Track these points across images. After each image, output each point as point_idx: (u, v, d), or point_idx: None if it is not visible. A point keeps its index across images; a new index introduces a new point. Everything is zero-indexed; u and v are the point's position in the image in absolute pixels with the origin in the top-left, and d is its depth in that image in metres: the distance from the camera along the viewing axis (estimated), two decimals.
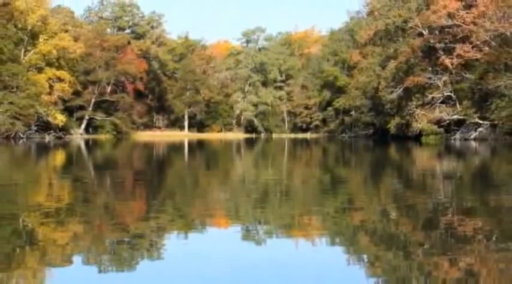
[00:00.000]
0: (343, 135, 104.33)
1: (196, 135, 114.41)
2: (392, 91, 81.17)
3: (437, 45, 75.80)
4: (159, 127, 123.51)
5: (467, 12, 72.02)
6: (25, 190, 18.98)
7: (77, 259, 8.51)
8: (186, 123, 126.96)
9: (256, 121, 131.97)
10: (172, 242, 9.96)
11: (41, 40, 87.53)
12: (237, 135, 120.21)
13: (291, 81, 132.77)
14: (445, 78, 74.98)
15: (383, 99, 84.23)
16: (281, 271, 7.86)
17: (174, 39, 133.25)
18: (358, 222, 12.17)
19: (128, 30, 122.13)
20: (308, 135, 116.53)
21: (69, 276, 7.47)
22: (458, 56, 72.99)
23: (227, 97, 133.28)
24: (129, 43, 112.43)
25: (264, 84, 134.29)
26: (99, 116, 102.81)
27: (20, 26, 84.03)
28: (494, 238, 9.90)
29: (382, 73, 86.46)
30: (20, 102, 76.75)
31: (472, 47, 71.16)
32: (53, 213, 13.09)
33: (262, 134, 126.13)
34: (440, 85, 75.13)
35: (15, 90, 77.27)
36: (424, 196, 17.00)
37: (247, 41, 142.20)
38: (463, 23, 71.49)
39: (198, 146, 62.18)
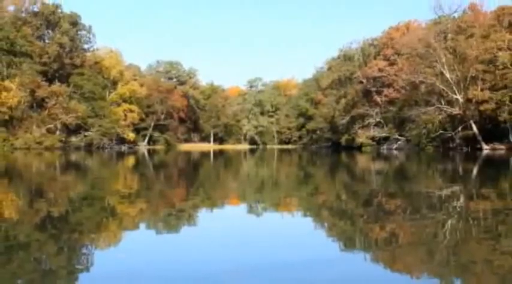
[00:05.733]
0: (312, 146, 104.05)
1: (218, 146, 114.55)
2: (343, 118, 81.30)
3: (372, 89, 75.97)
4: (194, 141, 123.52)
5: (391, 68, 72.37)
6: (109, 181, 19.02)
7: (142, 225, 8.55)
8: (211, 138, 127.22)
9: (256, 137, 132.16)
10: (203, 214, 10.00)
11: (119, 85, 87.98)
12: (244, 146, 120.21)
13: (279, 112, 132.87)
14: (376, 110, 75.14)
15: (337, 123, 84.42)
16: (271, 231, 7.89)
17: (204, 85, 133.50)
18: (321, 202, 12.20)
19: (174, 79, 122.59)
20: (290, 146, 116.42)
21: (137, 236, 7.51)
22: (385, 96, 73.29)
23: (237, 122, 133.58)
24: (175, 88, 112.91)
25: (261, 113, 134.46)
26: (156, 134, 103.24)
27: (105, 76, 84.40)
28: (408, 212, 9.93)
29: (336, 106, 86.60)
30: (105, 125, 76.96)
31: (394, 90, 71.43)
32: (126, 196, 13.13)
33: (260, 145, 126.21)
34: (373, 114, 75.26)
35: (102, 117, 77.53)
36: (363, 185, 17.02)
37: (251, 86, 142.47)
38: (388, 74, 71.76)
39: (219, 153, 62.25)
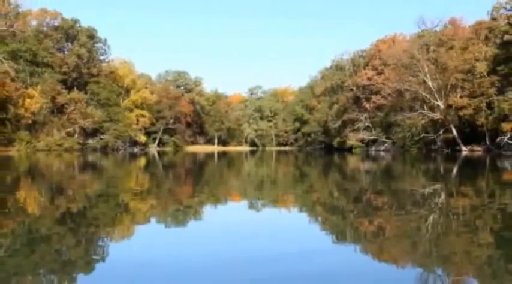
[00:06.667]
0: (307, 148, 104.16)
1: (221, 148, 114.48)
2: (335, 123, 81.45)
3: (361, 96, 76.12)
4: (200, 143, 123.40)
5: (378, 77, 72.44)
6: (123, 180, 19.01)
7: (152, 220, 8.54)
8: (215, 141, 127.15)
9: (256, 140, 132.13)
10: (208, 209, 10.00)
11: (132, 93, 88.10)
12: (245, 148, 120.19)
13: (277, 116, 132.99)
14: (365, 115, 75.28)
15: (330, 127, 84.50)
16: (269, 225, 7.90)
17: (209, 92, 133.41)
18: (315, 198, 12.19)
19: (182, 87, 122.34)
20: (287, 148, 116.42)
21: (148, 230, 7.50)
22: (373, 102, 73.38)
23: (239, 126, 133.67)
24: (182, 95, 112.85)
25: (261, 118, 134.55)
26: (166, 137, 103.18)
27: (119, 84, 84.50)
28: (394, 208, 9.92)
29: (329, 112, 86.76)
30: (120, 129, 77.06)
31: (381, 97, 71.53)
32: (138, 193, 13.12)
33: (260, 147, 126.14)
34: (363, 119, 75.40)
35: (117, 122, 77.60)
36: (353, 183, 17.00)
37: (251, 93, 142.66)
38: (376, 83, 71.85)
39: (222, 154, 62.23)
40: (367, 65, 78.77)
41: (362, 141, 74.67)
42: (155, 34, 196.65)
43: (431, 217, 8.53)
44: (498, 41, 56.13)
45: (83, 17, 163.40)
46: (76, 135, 71.90)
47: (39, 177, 19.64)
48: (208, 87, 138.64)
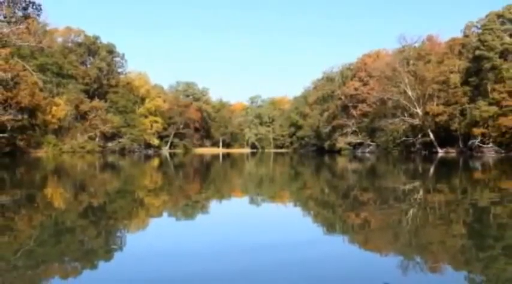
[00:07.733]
0: (301, 150, 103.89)
1: (226, 150, 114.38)
2: (326, 128, 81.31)
3: (349, 104, 76.07)
4: (207, 146, 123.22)
5: (364, 87, 72.45)
6: (138, 178, 19.00)
7: (164, 213, 8.55)
8: (220, 144, 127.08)
9: (256, 143, 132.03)
10: (213, 204, 10.00)
11: (146, 101, 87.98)
12: (246, 150, 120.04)
13: (274, 122, 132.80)
14: (353, 121, 75.23)
15: (321, 132, 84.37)
16: (267, 217, 7.90)
17: (214, 101, 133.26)
18: (308, 194, 12.19)
19: (190, 96, 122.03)
20: (283, 150, 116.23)
21: (161, 222, 7.52)
22: (360, 110, 73.39)
23: (241, 130, 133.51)
24: (191, 103, 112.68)
25: (260, 124, 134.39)
26: (176, 140, 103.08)
27: (135, 94, 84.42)
28: (378, 203, 9.92)
29: (321, 118, 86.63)
30: (135, 133, 77.05)
31: (367, 105, 71.56)
32: (152, 190, 13.12)
33: (260, 149, 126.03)
34: (350, 125, 75.35)
35: (133, 127, 77.60)
36: (342, 181, 16.99)
37: (252, 102, 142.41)
38: (362, 93, 71.89)
39: (226, 156, 62.16)
40: (354, 77, 78.78)
41: (350, 144, 74.68)
42: (167, 49, 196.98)
43: (411, 211, 8.54)
44: (470, 55, 56.21)
45: (103, 34, 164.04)
46: (97, 139, 71.87)
47: (64, 176, 19.64)
48: (214, 96, 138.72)
